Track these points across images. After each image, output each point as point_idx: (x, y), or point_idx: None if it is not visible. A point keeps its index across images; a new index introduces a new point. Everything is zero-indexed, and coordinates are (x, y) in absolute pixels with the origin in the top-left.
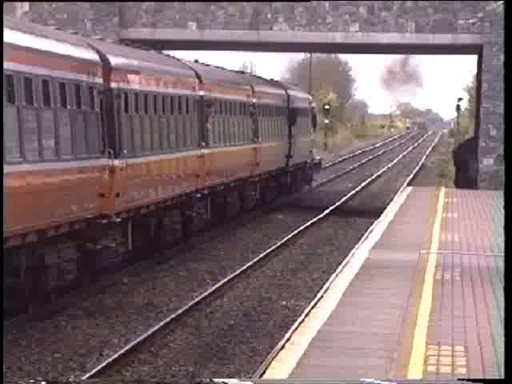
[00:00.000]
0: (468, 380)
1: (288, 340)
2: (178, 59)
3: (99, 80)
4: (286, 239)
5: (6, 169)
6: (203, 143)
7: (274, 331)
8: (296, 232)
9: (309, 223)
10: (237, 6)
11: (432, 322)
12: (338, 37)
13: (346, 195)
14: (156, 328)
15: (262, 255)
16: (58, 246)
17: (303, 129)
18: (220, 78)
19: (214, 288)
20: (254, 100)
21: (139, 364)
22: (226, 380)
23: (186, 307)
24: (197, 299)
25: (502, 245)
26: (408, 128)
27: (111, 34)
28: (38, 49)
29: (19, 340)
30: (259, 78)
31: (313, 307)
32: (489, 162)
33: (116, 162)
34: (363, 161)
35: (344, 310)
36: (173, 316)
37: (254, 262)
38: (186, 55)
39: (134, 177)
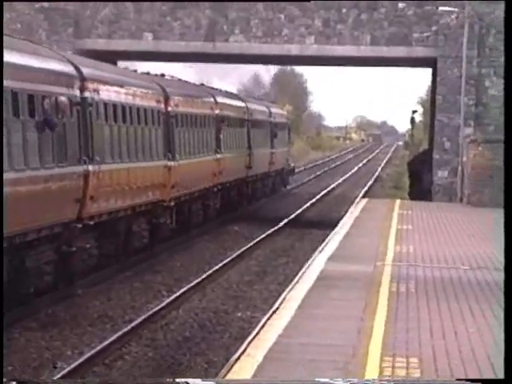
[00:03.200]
0: (467, 380)
1: (243, 352)
2: (148, 73)
3: (76, 91)
4: (242, 251)
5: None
6: (169, 155)
7: (229, 343)
8: (252, 243)
9: (265, 235)
10: (193, 17)
11: (387, 334)
12: (294, 49)
13: (301, 206)
14: (110, 340)
15: (217, 267)
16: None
17: (282, 140)
18: (188, 94)
19: (169, 300)
20: (247, 116)
21: (93, 377)
22: (188, 380)
23: (140, 319)
24: (152, 311)
25: (457, 256)
26: (363, 140)
27: (66, 44)
28: (27, 65)
29: None
30: (251, 97)
31: (268, 319)
32: (443, 174)
33: (90, 168)
34: (319, 172)
35: (300, 322)
36: (128, 328)
37: (210, 274)
38: (142, 66)
39: (105, 183)
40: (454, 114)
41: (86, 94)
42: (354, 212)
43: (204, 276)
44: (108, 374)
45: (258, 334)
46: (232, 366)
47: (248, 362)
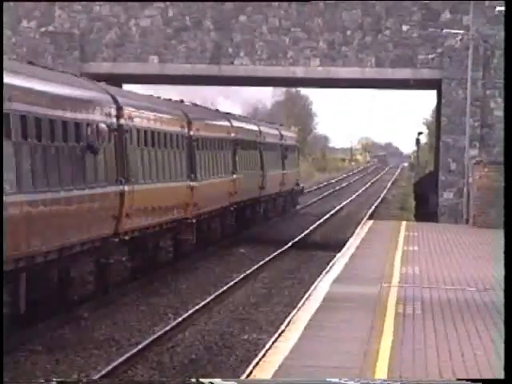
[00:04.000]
0: (467, 380)
1: (250, 375)
2: (170, 100)
3: (114, 119)
4: (247, 273)
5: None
6: (192, 175)
7: (235, 365)
8: (258, 266)
9: (271, 257)
10: (198, 40)
11: (393, 356)
12: (299, 71)
13: (307, 228)
14: (117, 363)
15: (223, 289)
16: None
17: (292, 162)
18: (207, 119)
19: (175, 322)
20: (260, 139)
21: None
22: (212, 380)
23: (147, 342)
24: (158, 334)
25: (463, 278)
26: (368, 162)
27: (72, 67)
28: (75, 97)
29: None
30: (263, 121)
31: (275, 341)
32: (449, 196)
33: (126, 188)
34: (324, 194)
35: (306, 344)
36: (134, 351)
37: (216, 296)
38: (147, 90)
39: (138, 202)
40: (460, 135)
41: (122, 121)
42: (359, 233)
43: (210, 298)
44: None
45: (264, 356)
46: None
47: None
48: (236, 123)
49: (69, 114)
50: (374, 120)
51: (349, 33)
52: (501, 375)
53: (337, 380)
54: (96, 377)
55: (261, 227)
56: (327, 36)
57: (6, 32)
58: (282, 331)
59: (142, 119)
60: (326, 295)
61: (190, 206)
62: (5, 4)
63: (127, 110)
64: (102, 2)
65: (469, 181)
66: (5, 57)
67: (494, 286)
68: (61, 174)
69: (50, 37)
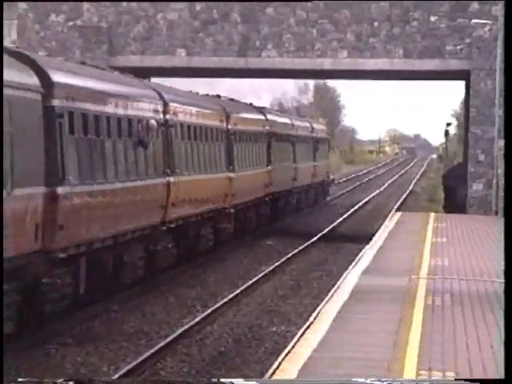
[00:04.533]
0: (466, 380)
1: (278, 367)
2: (207, 95)
3: (161, 115)
4: (275, 265)
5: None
6: (230, 167)
7: (264, 358)
8: (286, 258)
9: (299, 249)
10: (225, 33)
11: (422, 348)
12: (327, 63)
13: (335, 220)
14: (146, 355)
15: (252, 281)
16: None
17: (323, 154)
18: (244, 113)
19: (204, 315)
20: (293, 132)
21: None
22: (233, 380)
23: (176, 334)
24: (187, 326)
25: (492, 269)
26: (397, 154)
27: (100, 61)
28: (129, 95)
29: (8, 368)
30: (293, 115)
31: (303, 333)
32: (478, 187)
33: (172, 179)
34: (352, 186)
35: (334, 336)
36: (163, 343)
37: (244, 289)
38: (174, 82)
39: (182, 192)
40: (488, 126)
41: (168, 117)
42: (388, 225)
43: (238, 291)
44: None
45: (292, 348)
46: None
47: (282, 377)
48: (270, 117)
49: (122, 111)
50: (402, 111)
51: (376, 24)
52: None
53: (363, 380)
54: (115, 376)
55: (291, 219)
56: (355, 28)
57: (35, 26)
58: (311, 323)
59: (185, 114)
60: (355, 287)
61: (229, 196)
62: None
63: (172, 106)
64: None
65: (498, 172)
66: (58, 58)
67: None
68: (116, 167)
69: (78, 31)
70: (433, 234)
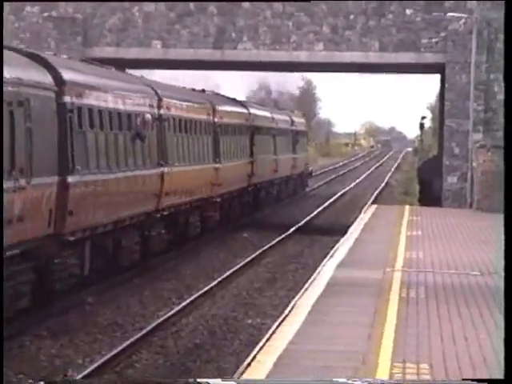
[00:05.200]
0: (466, 380)
1: (254, 359)
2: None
3: (155, 110)
4: (251, 257)
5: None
6: (217, 159)
7: (239, 350)
8: (261, 250)
9: (274, 241)
10: (201, 25)
11: (397, 340)
12: (303, 55)
13: (311, 213)
14: (121, 348)
15: (227, 274)
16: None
17: (302, 147)
18: (228, 107)
19: (179, 307)
20: (273, 125)
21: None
22: (209, 380)
23: (151, 327)
24: (162, 318)
25: (467, 262)
26: (372, 146)
27: (75, 52)
28: (128, 91)
29: None
30: (277, 108)
31: (278, 326)
32: (453, 180)
33: (165, 170)
34: (328, 179)
35: (309, 329)
36: (138, 336)
37: (220, 281)
38: (150, 74)
39: (174, 182)
40: (463, 119)
41: (162, 111)
42: (363, 218)
43: (214, 283)
44: (119, 381)
45: (268, 340)
46: (242, 372)
47: (258, 369)
48: (253, 110)
49: (122, 106)
50: (378, 104)
51: (352, 17)
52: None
53: (344, 380)
54: (79, 376)
55: (271, 209)
56: (331, 20)
57: (10, 17)
58: (286, 316)
59: (176, 109)
60: (330, 280)
61: (215, 186)
62: None
63: (165, 101)
64: None
65: (473, 165)
66: (73, 58)
67: (498, 270)
68: (117, 158)
69: (53, 22)
70: (408, 227)
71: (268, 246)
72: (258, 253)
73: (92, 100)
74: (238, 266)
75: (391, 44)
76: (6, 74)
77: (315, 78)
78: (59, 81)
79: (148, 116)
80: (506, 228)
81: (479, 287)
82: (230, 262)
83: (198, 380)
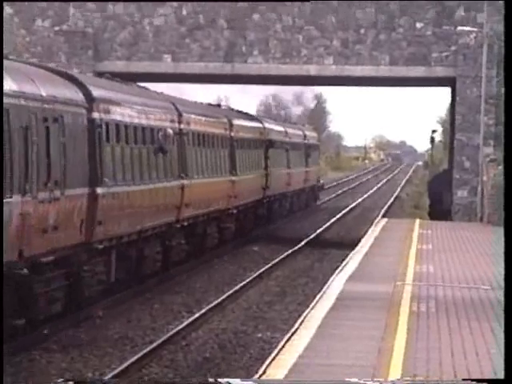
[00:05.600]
0: (465, 380)
1: (264, 373)
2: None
3: (176, 124)
4: (261, 271)
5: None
6: (233, 171)
7: (249, 364)
8: (271, 264)
9: (284, 255)
10: (211, 38)
11: (407, 354)
12: (313, 69)
13: (321, 226)
14: (131, 361)
15: (237, 287)
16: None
17: (314, 160)
18: (244, 121)
19: (189, 321)
20: (287, 139)
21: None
22: (230, 380)
23: (161, 340)
24: (172, 332)
25: (477, 276)
26: (382, 160)
27: (86, 67)
28: (152, 107)
29: None
30: (290, 122)
31: (288, 340)
32: (463, 194)
33: (185, 182)
34: (338, 192)
35: (319, 343)
36: (148, 349)
37: (230, 295)
38: (160, 88)
39: (194, 194)
40: (474, 133)
41: (182, 126)
42: (373, 232)
43: (224, 297)
44: None
45: (277, 354)
46: None
47: None
48: (267, 125)
49: (145, 121)
50: (388, 118)
51: (362, 31)
52: None
53: (356, 380)
54: (108, 376)
55: (284, 220)
56: (341, 34)
57: (21, 32)
58: (296, 329)
59: (195, 123)
60: (340, 294)
61: (232, 198)
62: (19, 4)
63: (185, 116)
64: (115, 2)
65: (483, 179)
66: (89, 74)
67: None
68: (141, 170)
69: (64, 36)
70: (418, 241)
71: (278, 259)
72: (268, 266)
73: (118, 116)
74: (247, 280)
75: (402, 58)
76: (43, 92)
77: (325, 91)
78: (89, 98)
79: (169, 131)
80: (506, 240)
81: (490, 301)
82: (240, 276)
83: (219, 380)
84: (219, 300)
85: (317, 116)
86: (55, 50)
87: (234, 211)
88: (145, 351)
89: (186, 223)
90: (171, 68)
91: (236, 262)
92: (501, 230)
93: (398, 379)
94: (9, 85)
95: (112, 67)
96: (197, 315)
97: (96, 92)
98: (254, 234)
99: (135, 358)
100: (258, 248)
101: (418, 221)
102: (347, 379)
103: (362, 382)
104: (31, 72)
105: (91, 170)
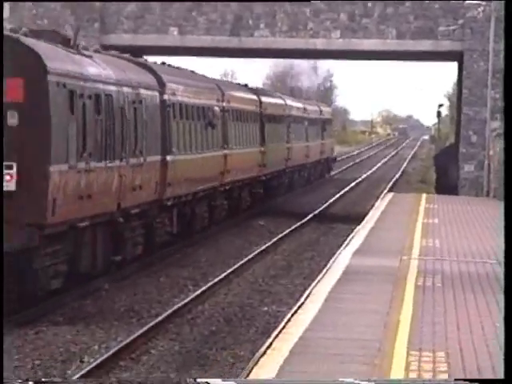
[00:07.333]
0: (465, 380)
1: (270, 346)
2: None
3: (221, 103)
4: (267, 245)
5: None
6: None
7: (255, 337)
8: (277, 238)
9: (291, 229)
10: (218, 12)
11: (413, 328)
12: (319, 43)
13: (327, 201)
14: (137, 334)
15: (243, 261)
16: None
17: (329, 134)
18: (273, 98)
19: (195, 294)
20: (306, 115)
21: (120, 371)
22: (209, 380)
23: (167, 313)
24: (178, 305)
25: (483, 251)
26: (389, 134)
27: (92, 39)
28: (201, 88)
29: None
30: (307, 99)
31: (294, 313)
32: (469, 169)
33: (227, 152)
34: (344, 166)
35: (325, 316)
36: (154, 322)
37: (236, 268)
38: (166, 61)
39: (233, 162)
40: (481, 107)
41: (224, 104)
42: (379, 206)
43: (230, 270)
44: (135, 368)
45: (283, 328)
46: (258, 360)
47: (274, 356)
48: (289, 102)
49: (198, 101)
50: (395, 92)
51: (369, 5)
52: None
53: (351, 380)
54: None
55: (303, 189)
56: (348, 8)
57: (27, 4)
58: (302, 303)
59: (234, 102)
60: (346, 268)
61: (261, 166)
62: None
63: (227, 95)
64: None
65: (490, 153)
66: (156, 62)
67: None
68: (196, 141)
69: (70, 8)
70: (424, 215)
71: (284, 233)
72: (274, 240)
73: (180, 97)
74: (253, 254)
75: (409, 32)
76: (131, 79)
77: (332, 65)
78: (161, 83)
79: (216, 108)
80: (506, 216)
81: (496, 275)
82: (246, 249)
83: (198, 380)
84: (225, 274)
85: (323, 91)
86: (62, 23)
87: (263, 178)
88: (151, 324)
89: (227, 187)
90: (178, 41)
91: (242, 236)
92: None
93: (393, 379)
94: (110, 74)
95: (118, 40)
96: (203, 289)
97: (165, 78)
98: (257, 208)
99: (141, 330)
100: (265, 222)
101: (424, 195)
102: (341, 379)
103: (356, 381)
104: (121, 63)
105: (162, 142)
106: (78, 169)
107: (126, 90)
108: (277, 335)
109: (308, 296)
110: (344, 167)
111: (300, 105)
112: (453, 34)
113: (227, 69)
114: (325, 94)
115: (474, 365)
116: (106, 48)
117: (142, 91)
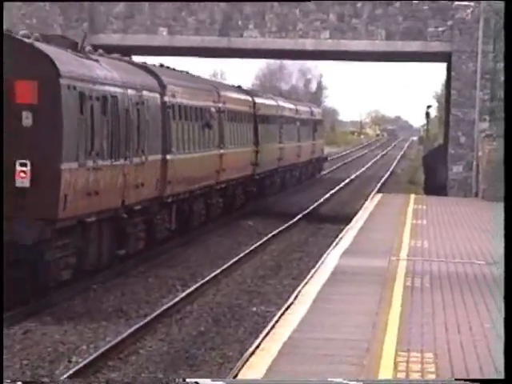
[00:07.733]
0: (466, 380)
1: (258, 346)
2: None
3: (217, 104)
4: (256, 245)
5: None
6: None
7: (244, 338)
8: (266, 238)
9: (279, 229)
10: (207, 12)
11: (402, 329)
12: (309, 44)
13: (316, 201)
14: (125, 335)
15: (232, 262)
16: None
17: (320, 134)
18: (265, 100)
19: (183, 294)
20: (297, 116)
21: (108, 371)
22: (198, 380)
23: (155, 314)
24: (166, 306)
25: (471, 251)
26: (378, 135)
27: (81, 39)
28: (199, 90)
29: None
30: (298, 101)
31: (283, 314)
32: (458, 169)
33: (222, 151)
34: (333, 167)
35: (314, 317)
36: (142, 323)
37: (224, 269)
38: (156, 61)
39: (228, 161)
40: (469, 108)
41: (220, 105)
42: (368, 207)
43: (218, 271)
44: (123, 368)
45: (272, 328)
46: (247, 360)
47: (263, 357)
48: (281, 103)
49: (196, 103)
50: (384, 93)
51: (359, 5)
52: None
53: (340, 380)
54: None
55: (275, 197)
56: (337, 8)
57: (16, 3)
58: (291, 304)
59: (230, 102)
60: (335, 268)
61: (254, 165)
62: None
63: (222, 96)
64: None
65: (478, 154)
66: (156, 64)
67: (503, 259)
68: (194, 142)
69: (59, 8)
70: (413, 216)
71: (273, 233)
72: (262, 240)
73: (179, 98)
74: (242, 254)
75: (398, 32)
76: (135, 82)
77: (321, 66)
78: (162, 85)
79: (213, 109)
80: (506, 217)
81: (484, 276)
82: (235, 250)
83: (187, 380)
84: (214, 274)
85: (312, 92)
86: (51, 22)
87: (256, 177)
88: (139, 324)
89: (222, 186)
90: (167, 41)
91: (230, 236)
92: (496, 206)
93: (381, 379)
94: (116, 77)
95: (107, 40)
96: (191, 289)
97: (166, 80)
98: (247, 209)
99: (130, 331)
100: (253, 222)
101: (412, 196)
102: (330, 379)
103: (345, 382)
104: (124, 66)
105: (163, 141)
106: (87, 167)
107: (130, 92)
108: (265, 335)
109: (297, 296)
110: (333, 167)
111: (292, 106)
112: (442, 35)
113: (216, 69)
114: (314, 94)
115: (462, 365)
116: (96, 48)
117: (145, 93)
